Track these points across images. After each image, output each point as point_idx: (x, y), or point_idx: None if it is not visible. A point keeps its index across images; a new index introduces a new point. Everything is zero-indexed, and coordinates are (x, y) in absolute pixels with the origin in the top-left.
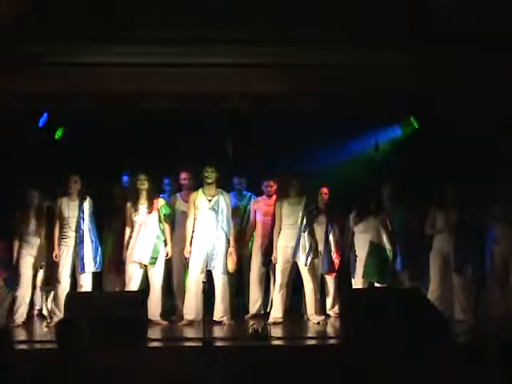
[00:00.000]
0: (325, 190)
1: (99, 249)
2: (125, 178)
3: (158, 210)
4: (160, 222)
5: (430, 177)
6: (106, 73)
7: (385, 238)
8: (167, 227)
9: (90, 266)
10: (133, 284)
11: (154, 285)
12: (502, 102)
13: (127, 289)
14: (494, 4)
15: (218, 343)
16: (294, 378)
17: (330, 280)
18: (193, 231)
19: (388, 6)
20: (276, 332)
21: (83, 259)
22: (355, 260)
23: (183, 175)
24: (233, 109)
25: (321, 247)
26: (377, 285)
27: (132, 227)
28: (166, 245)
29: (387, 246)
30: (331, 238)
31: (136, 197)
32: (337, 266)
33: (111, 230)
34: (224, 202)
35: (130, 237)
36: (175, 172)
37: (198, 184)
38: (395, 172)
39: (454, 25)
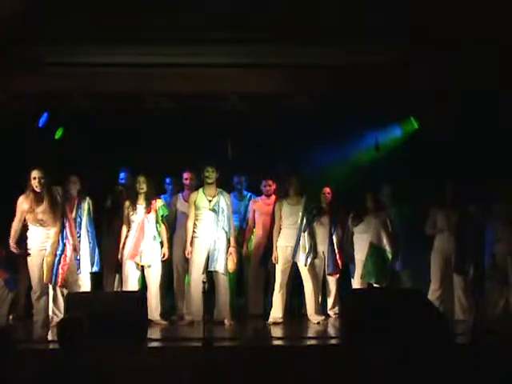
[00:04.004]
0: (327, 189)
1: (96, 250)
2: (121, 175)
3: (156, 210)
4: (157, 222)
5: (429, 177)
6: (106, 73)
7: (385, 240)
8: (164, 228)
9: (87, 266)
10: (130, 284)
11: (151, 285)
12: (502, 102)
13: (125, 288)
14: (495, 4)
15: (218, 343)
16: (294, 378)
17: (331, 280)
18: (193, 231)
19: (388, 5)
20: (276, 332)
21: (80, 260)
22: (354, 260)
23: (185, 175)
24: (233, 109)
25: (324, 248)
26: (375, 285)
27: (129, 227)
28: (162, 246)
29: (387, 247)
30: (334, 238)
31: (134, 197)
32: (340, 267)
33: (110, 229)
34: (224, 202)
35: (127, 236)
36: (176, 172)
37: (200, 184)
38: (395, 172)
39: (455, 24)
